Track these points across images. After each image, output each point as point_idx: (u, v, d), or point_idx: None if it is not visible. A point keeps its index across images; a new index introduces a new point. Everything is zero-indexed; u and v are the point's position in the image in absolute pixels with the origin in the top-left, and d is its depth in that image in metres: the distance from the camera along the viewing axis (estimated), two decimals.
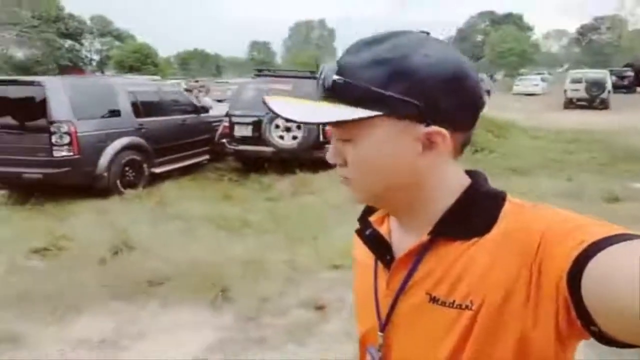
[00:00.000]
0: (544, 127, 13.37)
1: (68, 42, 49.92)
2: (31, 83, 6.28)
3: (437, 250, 0.68)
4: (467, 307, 0.63)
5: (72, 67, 43.78)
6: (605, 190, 6.52)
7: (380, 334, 0.74)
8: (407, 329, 0.71)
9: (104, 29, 55.46)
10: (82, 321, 3.31)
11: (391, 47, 0.64)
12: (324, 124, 0.66)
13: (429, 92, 0.63)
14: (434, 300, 0.66)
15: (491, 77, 29.87)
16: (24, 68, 38.94)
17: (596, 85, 21.02)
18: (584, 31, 69.45)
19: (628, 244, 0.51)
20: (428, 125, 0.64)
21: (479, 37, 66.94)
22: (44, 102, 5.97)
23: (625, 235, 0.53)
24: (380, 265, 0.75)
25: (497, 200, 0.68)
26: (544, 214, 0.63)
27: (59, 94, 6.05)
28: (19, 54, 44.22)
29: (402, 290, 0.71)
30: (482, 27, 67.86)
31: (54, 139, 5.90)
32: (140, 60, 38.63)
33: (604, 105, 20.86)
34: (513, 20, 62.27)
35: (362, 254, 0.80)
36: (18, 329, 3.16)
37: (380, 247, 0.74)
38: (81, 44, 53.79)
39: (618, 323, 0.49)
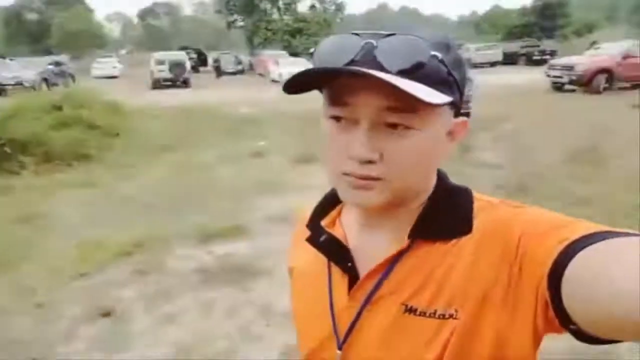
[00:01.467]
0: (152, 106, 14.05)
1: None
2: None
3: (414, 256, 0.63)
4: (450, 316, 0.59)
5: None
6: (244, 149, 7.90)
7: (338, 352, 0.66)
8: (376, 344, 0.63)
9: None
10: None
11: (442, 34, 0.59)
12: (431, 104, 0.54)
13: (465, 81, 0.62)
14: (410, 310, 0.61)
15: (57, 64, 27.35)
16: None
17: (178, 66, 23.24)
18: (143, 15, 73.51)
19: (609, 242, 0.49)
20: (456, 116, 0.63)
21: (34, 16, 60.50)
22: None
23: (608, 233, 0.51)
24: (334, 273, 0.68)
25: (467, 197, 0.66)
26: (519, 212, 0.61)
27: None
28: None
29: (368, 300, 0.64)
30: (36, 5, 61.48)
31: None
32: None
33: (186, 84, 23.38)
34: (76, 0, 59.11)
35: (308, 262, 0.73)
36: None
37: (339, 254, 0.67)
38: None
39: (598, 323, 0.48)
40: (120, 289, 3.62)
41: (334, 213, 0.73)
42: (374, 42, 0.57)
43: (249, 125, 10.65)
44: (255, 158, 7.61)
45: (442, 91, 0.57)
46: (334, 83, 0.58)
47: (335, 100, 0.59)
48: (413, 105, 0.55)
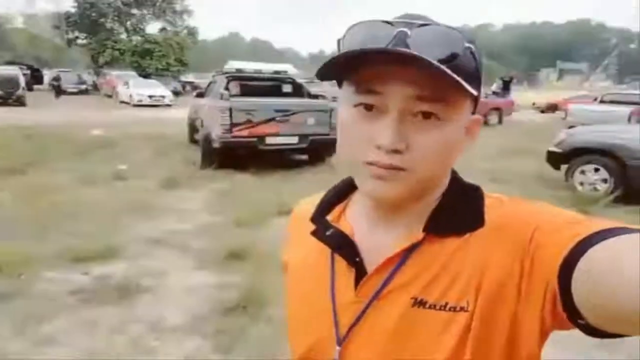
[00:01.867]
0: None
1: None
2: None
3: (426, 250, 0.63)
4: (462, 308, 0.59)
5: None
6: (103, 172, 7.57)
7: (338, 347, 0.65)
8: (381, 339, 0.62)
9: None
10: None
11: (468, 30, 0.61)
12: (465, 92, 0.55)
13: (481, 77, 0.61)
14: (420, 303, 0.61)
15: None
16: None
17: (10, 83, 20.77)
18: None
19: (622, 238, 0.49)
20: (473, 112, 0.63)
21: None
22: None
23: (622, 229, 0.51)
24: (339, 269, 0.68)
25: (479, 193, 0.66)
26: (532, 208, 0.61)
27: None
28: None
29: (377, 295, 0.63)
30: None
31: None
32: None
33: (20, 102, 20.95)
34: None
35: (307, 257, 0.73)
36: None
37: (345, 249, 0.67)
38: None
39: (607, 316, 0.48)
40: None
41: (339, 208, 0.73)
42: (407, 31, 0.56)
43: (103, 148, 10.12)
44: (118, 181, 7.33)
45: (470, 84, 0.55)
46: (364, 70, 0.57)
47: (364, 87, 0.58)
48: (443, 95, 0.56)
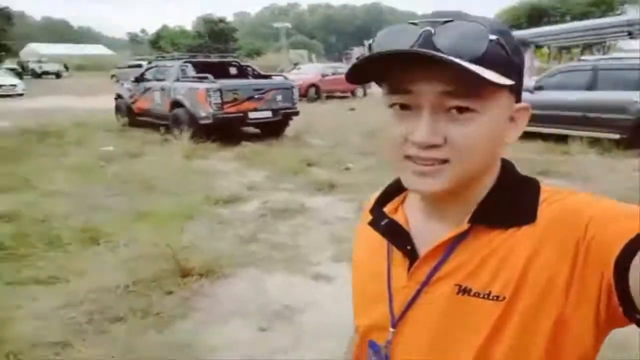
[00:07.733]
0: None
1: None
2: None
3: (474, 240, 0.65)
4: (505, 298, 0.60)
5: None
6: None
7: (392, 329, 0.70)
8: (429, 324, 0.66)
9: None
10: None
11: (499, 21, 0.62)
12: (497, 85, 0.57)
13: (523, 67, 0.63)
14: (464, 291, 0.63)
15: None
16: None
17: None
18: None
19: None
20: (517, 101, 0.64)
21: None
22: None
23: None
24: (395, 256, 0.72)
25: (534, 187, 0.66)
26: (590, 199, 0.61)
27: None
28: None
29: (427, 282, 0.67)
30: None
31: None
32: None
33: None
34: None
35: (369, 246, 0.78)
36: None
37: (399, 237, 0.71)
38: None
39: None
40: None
41: (397, 200, 0.77)
42: (431, 29, 0.58)
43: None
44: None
45: (502, 74, 0.58)
46: (395, 71, 0.60)
47: (397, 88, 0.61)
48: (475, 89, 0.57)
